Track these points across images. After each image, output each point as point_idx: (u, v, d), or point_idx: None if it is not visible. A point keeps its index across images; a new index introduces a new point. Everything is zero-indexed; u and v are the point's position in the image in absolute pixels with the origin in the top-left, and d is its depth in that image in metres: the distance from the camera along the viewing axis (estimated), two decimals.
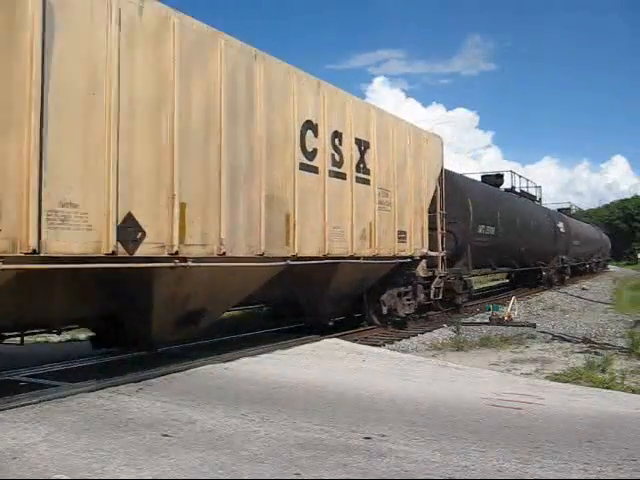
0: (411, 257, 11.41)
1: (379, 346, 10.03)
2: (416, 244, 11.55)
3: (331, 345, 8.88)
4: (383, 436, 4.28)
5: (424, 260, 11.93)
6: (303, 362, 7.49)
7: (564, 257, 27.85)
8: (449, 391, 5.96)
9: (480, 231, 16.34)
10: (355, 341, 9.98)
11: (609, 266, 54.00)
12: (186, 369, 6.75)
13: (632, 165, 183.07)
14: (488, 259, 18.28)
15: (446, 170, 14.09)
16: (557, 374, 7.93)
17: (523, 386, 6.33)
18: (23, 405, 5.04)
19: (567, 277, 28.94)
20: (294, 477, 3.48)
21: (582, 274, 35.69)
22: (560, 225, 27.82)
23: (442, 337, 11.73)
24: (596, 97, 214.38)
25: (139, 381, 6.07)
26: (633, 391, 6.75)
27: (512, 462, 3.74)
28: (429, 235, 12.27)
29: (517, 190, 24.89)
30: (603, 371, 7.85)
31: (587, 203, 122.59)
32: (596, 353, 9.42)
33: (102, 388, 5.72)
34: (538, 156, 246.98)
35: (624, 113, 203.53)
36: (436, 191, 12.48)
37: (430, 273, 12.29)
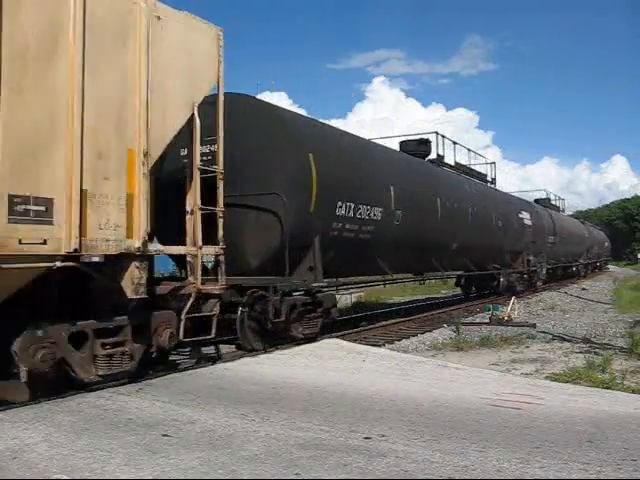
0: (75, 255, 5.28)
1: (379, 346, 10.04)
2: (97, 227, 5.49)
3: (331, 345, 8.87)
4: (383, 436, 4.28)
5: (135, 263, 5.85)
6: (303, 362, 7.49)
7: (531, 258, 21.95)
8: (449, 391, 5.96)
9: (344, 213, 9.81)
10: (355, 341, 9.99)
11: (609, 266, 53.83)
12: (186, 369, 6.76)
13: (632, 165, 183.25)
14: (376, 260, 11.30)
15: (247, 97, 8.93)
16: (557, 374, 7.93)
17: (523, 386, 6.33)
18: (23, 405, 5.04)
19: (539, 283, 23.43)
20: (294, 477, 3.48)
21: (567, 279, 31.27)
22: (525, 216, 21.79)
23: (442, 337, 11.74)
24: (596, 97, 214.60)
25: (139, 381, 6.07)
26: (633, 391, 6.74)
27: (512, 462, 3.74)
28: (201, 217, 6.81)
29: (450, 162, 17.23)
30: (603, 371, 7.86)
31: (587, 203, 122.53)
32: (596, 353, 9.41)
33: (102, 388, 5.72)
34: (538, 156, 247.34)
35: (624, 113, 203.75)
36: (193, 127, 6.68)
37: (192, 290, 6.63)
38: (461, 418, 4.84)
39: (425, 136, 15.87)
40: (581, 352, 9.64)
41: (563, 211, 35.70)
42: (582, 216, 52.62)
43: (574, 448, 4.04)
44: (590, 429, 4.51)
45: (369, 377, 6.68)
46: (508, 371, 8.29)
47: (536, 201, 29.51)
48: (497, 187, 22.23)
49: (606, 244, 50.25)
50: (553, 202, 34.02)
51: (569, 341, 11.00)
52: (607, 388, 6.78)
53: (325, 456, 3.83)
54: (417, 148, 15.06)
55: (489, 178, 21.38)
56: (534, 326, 13.02)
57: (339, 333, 10.45)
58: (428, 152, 15.47)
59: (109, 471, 3.54)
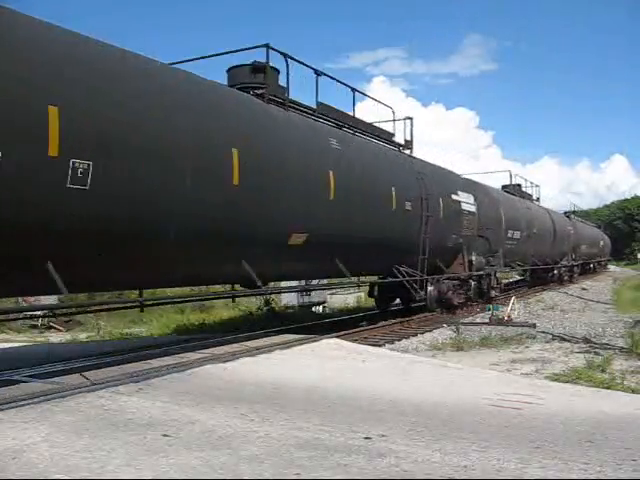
0: None
1: (379, 346, 10.05)
2: None
3: (331, 345, 8.88)
4: (383, 436, 4.28)
5: None
6: (303, 362, 7.49)
7: (474, 258, 15.93)
8: (449, 391, 5.96)
9: None
10: (355, 341, 9.99)
11: (609, 266, 53.63)
12: (186, 369, 6.76)
13: (632, 165, 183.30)
14: (42, 268, 5.69)
15: None
16: (557, 374, 7.93)
17: (523, 386, 6.33)
18: (23, 405, 5.04)
19: (494, 292, 17.67)
20: (294, 477, 3.48)
21: (544, 284, 25.63)
22: (464, 199, 15.53)
23: (442, 337, 11.73)
24: (596, 96, 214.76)
25: (139, 381, 6.07)
26: (633, 391, 6.74)
27: (512, 462, 3.74)
28: None
29: (307, 103, 10.55)
30: (603, 371, 7.86)
31: (587, 203, 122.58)
32: (596, 353, 9.41)
33: (102, 388, 5.72)
34: (538, 156, 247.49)
35: (624, 112, 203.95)
36: None
37: None
38: (461, 418, 4.84)
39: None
40: (581, 352, 9.64)
41: (538, 200, 28.07)
42: (582, 216, 50.29)
43: (574, 448, 4.04)
44: (590, 429, 4.51)
45: (369, 377, 6.68)
46: (508, 371, 8.28)
47: (504, 187, 23.85)
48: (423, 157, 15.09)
49: (601, 243, 43.75)
50: (524, 189, 26.38)
51: (569, 341, 11.00)
52: (607, 388, 6.78)
53: (325, 456, 3.83)
54: (251, 79, 9.29)
55: (399, 140, 14.10)
56: (534, 326, 13.02)
57: (339, 333, 10.44)
58: (270, 85, 9.36)
59: (109, 471, 3.54)
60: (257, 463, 3.69)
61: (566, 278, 29.20)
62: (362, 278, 13.44)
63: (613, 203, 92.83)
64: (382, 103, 13.48)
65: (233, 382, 6.20)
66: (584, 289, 26.71)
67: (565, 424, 4.66)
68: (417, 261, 12.97)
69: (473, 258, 16.01)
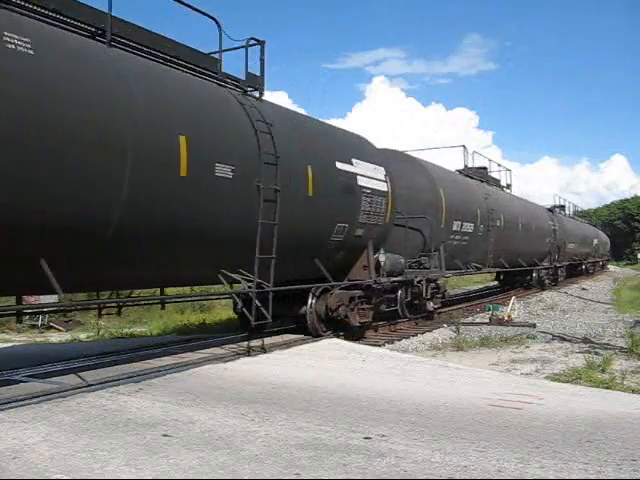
0: None
1: (379, 346, 10.05)
2: None
3: (331, 345, 8.88)
4: (383, 436, 4.28)
5: None
6: (303, 362, 7.49)
7: (383, 257, 11.16)
8: (449, 391, 5.96)
9: None
10: (355, 341, 9.98)
11: (609, 266, 53.56)
12: (186, 369, 6.76)
13: (632, 165, 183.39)
14: None
15: None
16: (557, 374, 7.93)
17: (523, 386, 6.33)
18: (23, 405, 5.04)
19: (433, 304, 13.37)
20: (294, 477, 3.48)
21: (514, 292, 21.17)
22: (362, 171, 10.08)
23: (442, 337, 11.74)
24: (595, 96, 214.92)
25: (139, 381, 6.07)
26: (633, 391, 6.75)
27: (512, 462, 3.74)
28: None
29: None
30: (603, 371, 7.86)
31: (587, 203, 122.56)
32: (596, 353, 9.42)
33: (102, 388, 5.72)
34: (538, 156, 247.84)
35: (623, 112, 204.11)
36: None
37: None
38: (461, 418, 4.84)
39: None
40: (581, 352, 9.65)
41: (509, 188, 22.44)
42: (582, 216, 49.17)
43: (574, 448, 4.04)
44: (590, 429, 4.51)
45: (369, 377, 6.68)
46: (508, 371, 8.29)
47: (467, 170, 18.11)
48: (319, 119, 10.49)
49: (595, 241, 39.03)
50: (492, 174, 20.62)
51: (569, 341, 11.00)
52: (607, 388, 6.78)
53: (325, 456, 3.83)
54: None
55: (237, 74, 8.47)
56: (534, 326, 13.03)
57: (339, 333, 10.43)
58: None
59: (109, 471, 3.54)
60: (257, 463, 3.69)
61: (548, 282, 24.82)
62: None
63: (613, 203, 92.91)
64: (202, 12, 7.57)
65: (233, 382, 6.20)
66: (584, 289, 26.74)
67: (565, 424, 4.66)
68: (252, 261, 7.62)
69: (382, 258, 11.15)
